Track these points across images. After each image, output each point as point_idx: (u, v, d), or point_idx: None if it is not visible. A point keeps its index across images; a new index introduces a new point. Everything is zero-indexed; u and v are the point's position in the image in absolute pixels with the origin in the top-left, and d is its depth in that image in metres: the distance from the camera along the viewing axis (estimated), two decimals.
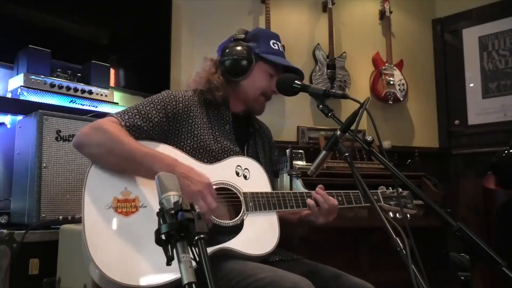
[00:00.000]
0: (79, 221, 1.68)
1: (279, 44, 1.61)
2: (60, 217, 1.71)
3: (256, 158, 1.61)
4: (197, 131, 1.46)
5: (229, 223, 1.34)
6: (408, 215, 1.63)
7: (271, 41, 1.59)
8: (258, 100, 1.59)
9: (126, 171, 1.29)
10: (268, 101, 1.64)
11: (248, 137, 1.63)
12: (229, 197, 1.40)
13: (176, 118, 1.44)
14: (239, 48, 1.55)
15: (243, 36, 1.59)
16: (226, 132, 1.53)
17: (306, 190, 1.53)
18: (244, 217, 1.37)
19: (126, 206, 1.24)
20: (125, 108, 1.46)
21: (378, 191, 1.64)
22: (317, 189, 1.52)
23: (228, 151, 1.48)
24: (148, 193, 1.28)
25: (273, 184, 1.58)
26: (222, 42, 1.65)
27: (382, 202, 1.61)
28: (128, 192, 1.27)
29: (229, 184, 1.40)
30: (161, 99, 1.44)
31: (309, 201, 1.48)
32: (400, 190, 1.68)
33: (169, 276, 1.15)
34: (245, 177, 1.45)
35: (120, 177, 1.28)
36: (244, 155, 1.53)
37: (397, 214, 1.58)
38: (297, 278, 1.18)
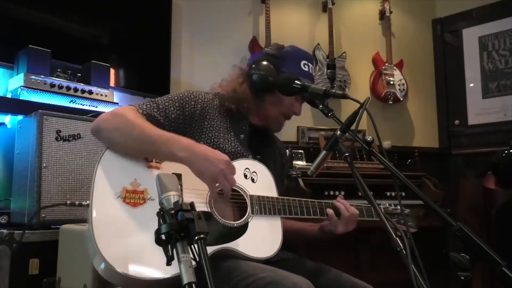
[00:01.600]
0: (79, 220, 1.68)
1: (310, 65, 1.59)
2: (68, 202, 1.72)
3: None
4: (212, 134, 1.46)
5: (234, 224, 1.35)
6: (408, 234, 1.62)
7: (302, 62, 1.56)
8: (278, 119, 1.59)
9: (144, 154, 1.30)
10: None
11: (261, 150, 1.63)
12: (235, 198, 1.40)
13: (192, 118, 1.44)
14: (267, 64, 1.53)
15: (275, 52, 1.56)
16: (240, 140, 1.53)
17: (312, 199, 1.53)
18: (249, 220, 1.37)
19: (134, 197, 1.24)
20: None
21: (381, 206, 1.64)
22: (338, 198, 1.54)
23: (240, 157, 1.48)
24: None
25: (282, 192, 1.57)
26: (256, 53, 1.63)
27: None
28: (138, 183, 1.27)
29: (237, 186, 1.39)
30: (181, 97, 1.44)
31: (329, 211, 1.50)
32: (404, 209, 1.66)
33: (173, 270, 1.14)
34: (252, 180, 1.45)
35: (131, 167, 1.28)
36: (253, 158, 1.52)
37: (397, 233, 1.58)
38: (297, 279, 1.18)
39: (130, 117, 1.30)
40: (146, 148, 1.28)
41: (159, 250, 1.14)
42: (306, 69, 1.56)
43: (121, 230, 1.19)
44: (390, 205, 1.67)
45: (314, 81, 1.61)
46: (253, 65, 1.55)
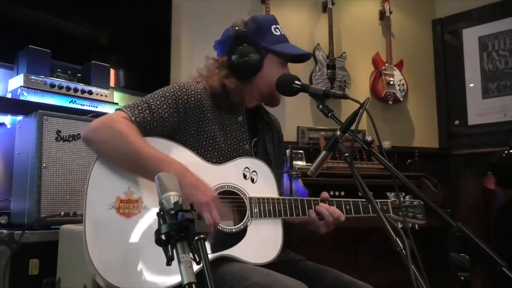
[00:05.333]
0: (79, 221, 1.68)
1: (279, 26, 1.58)
2: (62, 212, 1.72)
3: (265, 153, 1.57)
4: (208, 128, 1.42)
5: (232, 229, 1.32)
6: (417, 226, 1.62)
7: (272, 27, 1.55)
8: (274, 92, 1.52)
9: (131, 171, 1.27)
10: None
11: (257, 131, 1.59)
12: (234, 201, 1.37)
13: (186, 113, 1.40)
14: (246, 46, 1.49)
15: (244, 30, 1.50)
16: (239, 124, 1.49)
17: (314, 198, 1.49)
18: (248, 223, 1.34)
19: (128, 207, 1.22)
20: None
21: (388, 200, 1.62)
22: (320, 202, 1.49)
23: (237, 148, 1.45)
24: (151, 195, 1.25)
25: (280, 183, 1.54)
26: (220, 38, 1.60)
27: (391, 212, 1.60)
28: (131, 192, 1.24)
29: (235, 188, 1.37)
30: (172, 93, 1.39)
31: (312, 214, 1.45)
32: (413, 201, 1.66)
33: (170, 280, 1.14)
34: (252, 180, 1.41)
35: (124, 176, 1.26)
36: (253, 156, 1.49)
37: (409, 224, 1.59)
38: (291, 281, 1.16)
39: (121, 129, 1.26)
40: (135, 166, 1.25)
41: (155, 262, 1.13)
42: (278, 33, 1.56)
43: (116, 243, 1.17)
44: (395, 199, 1.62)
45: (288, 39, 1.60)
46: (233, 53, 1.49)
